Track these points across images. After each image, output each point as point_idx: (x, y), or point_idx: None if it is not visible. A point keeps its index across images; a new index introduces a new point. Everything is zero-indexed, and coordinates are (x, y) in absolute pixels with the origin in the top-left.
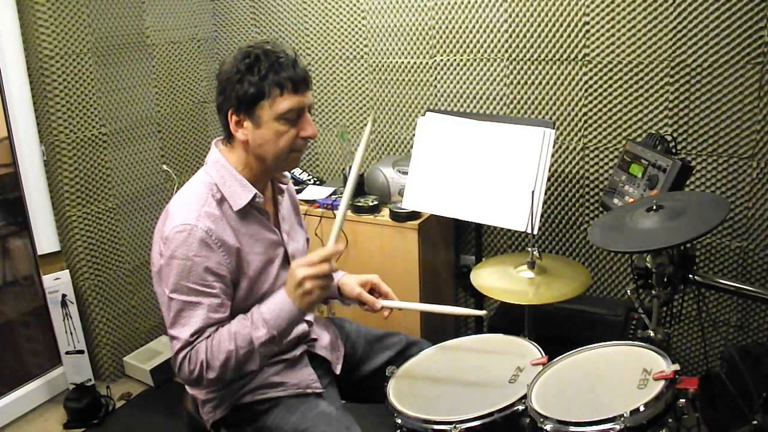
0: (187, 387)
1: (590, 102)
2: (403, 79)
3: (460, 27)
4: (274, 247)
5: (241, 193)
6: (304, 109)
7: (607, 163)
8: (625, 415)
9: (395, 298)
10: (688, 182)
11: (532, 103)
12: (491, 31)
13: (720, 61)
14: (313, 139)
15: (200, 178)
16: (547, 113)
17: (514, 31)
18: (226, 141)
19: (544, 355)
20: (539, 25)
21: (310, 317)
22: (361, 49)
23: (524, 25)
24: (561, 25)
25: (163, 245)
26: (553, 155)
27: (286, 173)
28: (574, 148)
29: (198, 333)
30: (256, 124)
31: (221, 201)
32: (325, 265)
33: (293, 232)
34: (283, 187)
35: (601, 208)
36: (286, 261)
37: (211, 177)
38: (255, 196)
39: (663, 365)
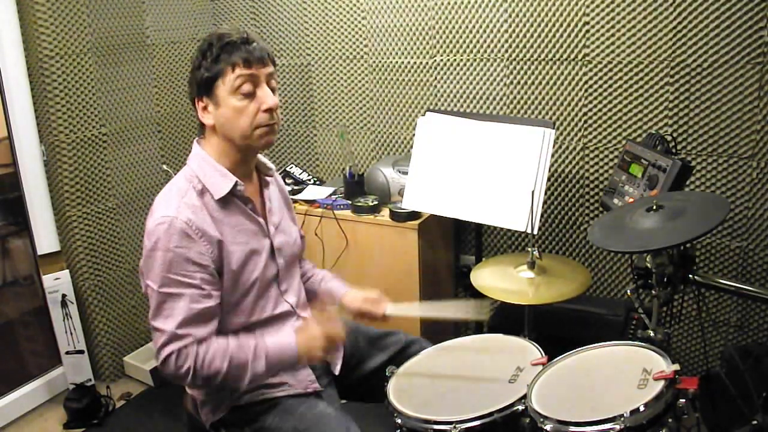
0: (186, 387)
1: (590, 102)
2: (403, 79)
3: (460, 27)
4: (259, 238)
5: (222, 183)
6: (259, 81)
7: (607, 163)
8: (625, 415)
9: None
10: (688, 182)
11: (532, 103)
12: (491, 31)
13: (720, 61)
14: (274, 111)
15: (182, 173)
16: (547, 113)
17: (514, 31)
18: (201, 133)
19: (544, 355)
20: (539, 25)
21: (307, 313)
22: (361, 49)
23: (524, 25)
24: (561, 25)
25: (146, 239)
26: (553, 155)
27: (271, 165)
28: (574, 148)
29: (182, 325)
30: (215, 104)
31: (202, 192)
32: (340, 339)
33: (284, 225)
34: (269, 179)
35: (601, 208)
36: (272, 253)
37: (192, 170)
38: (236, 184)
39: (663, 365)
